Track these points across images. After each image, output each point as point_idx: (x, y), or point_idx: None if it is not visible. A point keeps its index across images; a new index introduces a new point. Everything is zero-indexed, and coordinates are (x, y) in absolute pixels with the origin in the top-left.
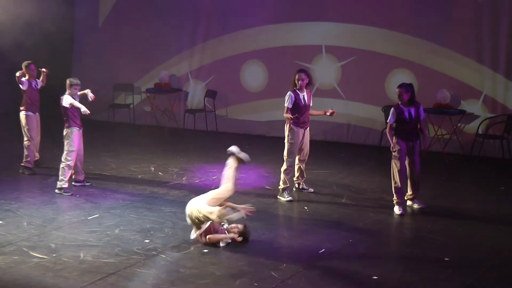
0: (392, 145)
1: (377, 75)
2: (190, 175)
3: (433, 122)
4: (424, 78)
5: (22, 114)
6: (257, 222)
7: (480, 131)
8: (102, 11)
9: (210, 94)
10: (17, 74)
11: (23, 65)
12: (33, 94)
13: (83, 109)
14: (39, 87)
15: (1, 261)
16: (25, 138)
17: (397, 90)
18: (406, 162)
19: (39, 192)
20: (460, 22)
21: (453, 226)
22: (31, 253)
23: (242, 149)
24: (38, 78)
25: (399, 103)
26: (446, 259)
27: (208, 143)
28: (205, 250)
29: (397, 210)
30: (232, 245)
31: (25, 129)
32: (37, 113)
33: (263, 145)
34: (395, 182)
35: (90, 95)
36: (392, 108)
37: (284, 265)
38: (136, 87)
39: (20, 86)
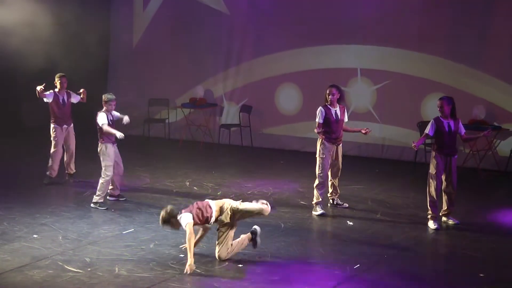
0: (415, 142)
1: (412, 99)
2: (225, 190)
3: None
4: (460, 102)
5: (51, 126)
6: (291, 237)
7: None
8: (136, 31)
9: (245, 109)
10: (38, 88)
11: (57, 76)
12: (59, 108)
13: (118, 134)
14: (73, 102)
15: (37, 274)
16: (52, 148)
17: (438, 102)
18: (443, 177)
19: (74, 206)
20: (496, 45)
21: (488, 242)
22: (66, 267)
23: (275, 164)
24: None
25: (439, 115)
26: (481, 275)
27: (243, 158)
28: (240, 265)
29: (432, 224)
30: (267, 259)
31: (52, 139)
32: (65, 126)
33: (298, 161)
34: (431, 196)
35: (126, 119)
36: (432, 120)
37: (319, 280)
38: (172, 101)
39: (44, 99)
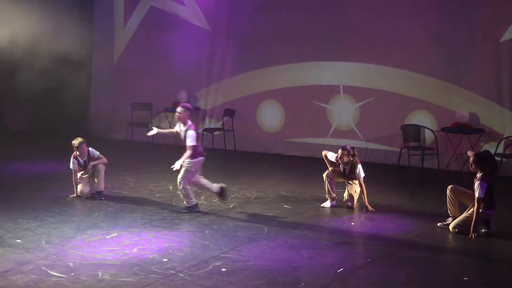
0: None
1: (395, 116)
2: (208, 194)
3: (452, 141)
4: (443, 120)
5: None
6: (275, 241)
7: (499, 150)
8: (117, 47)
9: (229, 113)
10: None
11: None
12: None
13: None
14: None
15: (20, 279)
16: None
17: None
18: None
19: (57, 211)
20: (480, 63)
21: (473, 245)
22: (49, 272)
23: (259, 168)
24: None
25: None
26: (465, 278)
27: (226, 162)
28: (223, 270)
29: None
30: (251, 263)
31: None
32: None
33: (281, 164)
34: None
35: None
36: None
37: (303, 284)
38: (155, 106)
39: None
